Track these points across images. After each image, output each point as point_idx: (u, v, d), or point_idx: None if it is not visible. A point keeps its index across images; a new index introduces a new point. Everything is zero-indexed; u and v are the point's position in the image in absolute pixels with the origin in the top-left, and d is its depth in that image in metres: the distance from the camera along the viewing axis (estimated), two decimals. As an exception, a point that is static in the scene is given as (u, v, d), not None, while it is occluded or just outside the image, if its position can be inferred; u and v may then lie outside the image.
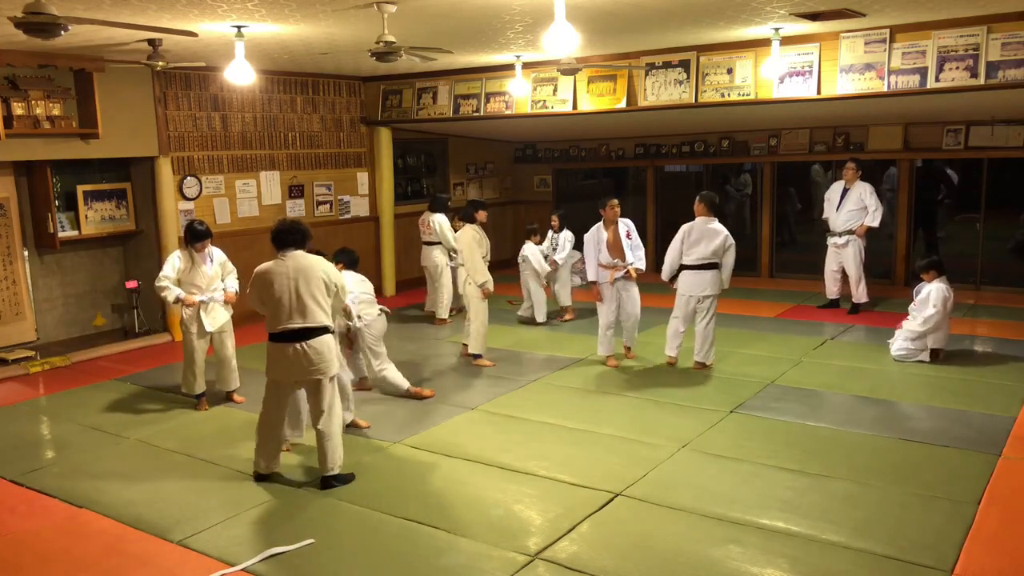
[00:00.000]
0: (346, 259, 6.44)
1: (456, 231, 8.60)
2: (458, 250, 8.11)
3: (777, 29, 7.28)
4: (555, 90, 9.29)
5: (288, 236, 5.03)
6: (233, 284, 6.73)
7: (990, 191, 10.38)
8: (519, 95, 9.50)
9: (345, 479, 5.15)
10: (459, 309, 9.77)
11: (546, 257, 9.61)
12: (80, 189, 8.73)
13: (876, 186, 9.66)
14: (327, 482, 5.10)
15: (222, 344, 6.74)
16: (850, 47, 7.54)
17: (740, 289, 7.58)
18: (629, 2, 5.97)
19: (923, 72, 7.23)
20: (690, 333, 7.48)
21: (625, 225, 7.60)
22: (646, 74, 8.57)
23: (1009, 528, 4.37)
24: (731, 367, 7.40)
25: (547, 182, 13.64)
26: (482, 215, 8.01)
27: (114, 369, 8.01)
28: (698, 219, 7.27)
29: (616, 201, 7.54)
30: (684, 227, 7.34)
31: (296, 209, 10.37)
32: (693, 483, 5.00)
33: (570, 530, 4.44)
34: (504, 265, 11.81)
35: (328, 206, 10.81)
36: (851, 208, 9.25)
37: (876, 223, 9.24)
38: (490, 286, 7.64)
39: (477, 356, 7.75)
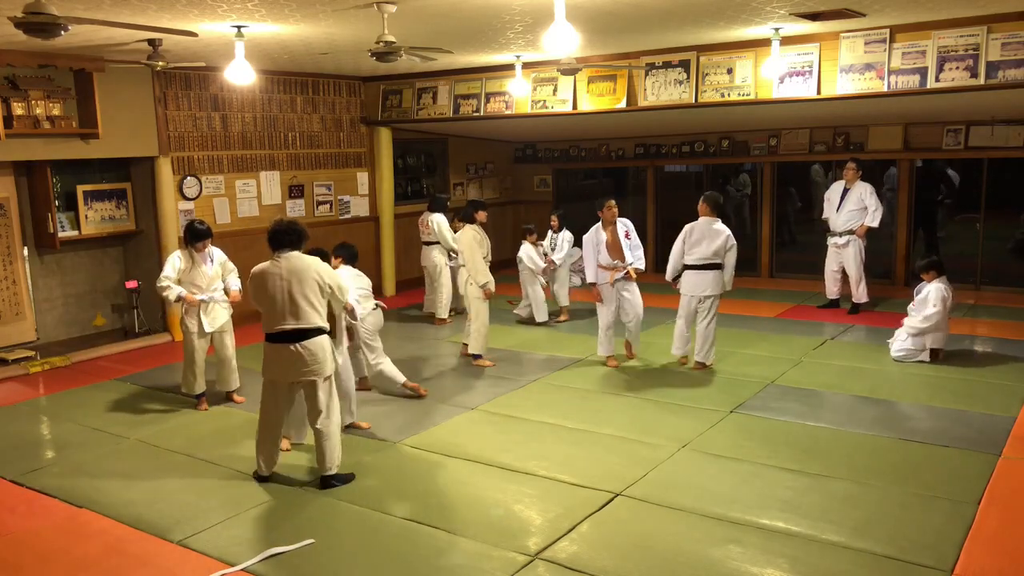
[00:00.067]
0: (345, 254, 6.44)
1: (456, 232, 8.60)
2: (459, 251, 8.11)
3: (777, 29, 7.28)
4: (555, 90, 9.29)
5: (284, 237, 5.03)
6: (236, 283, 6.73)
7: (990, 191, 10.38)
8: (519, 95, 9.50)
9: (345, 479, 5.15)
10: (458, 310, 9.78)
11: (545, 256, 9.62)
12: (80, 189, 8.73)
13: (876, 186, 9.67)
14: (327, 481, 5.10)
15: (222, 344, 6.75)
16: (850, 47, 7.54)
17: (740, 289, 7.59)
18: (629, 2, 5.97)
19: (923, 72, 7.23)
20: (694, 332, 7.47)
21: (624, 225, 7.59)
22: (646, 74, 8.57)
23: (1009, 528, 4.37)
24: (731, 367, 7.40)
25: (547, 182, 13.65)
26: (482, 215, 8.01)
27: (114, 369, 8.01)
28: (701, 219, 7.27)
29: (613, 202, 7.53)
30: (686, 227, 7.34)
31: (296, 209, 10.37)
32: (693, 483, 5.00)
33: (570, 530, 4.44)
34: (505, 265, 11.81)
35: (328, 206, 10.81)
36: (851, 208, 9.25)
37: (876, 223, 9.24)
38: (492, 287, 7.64)
39: (477, 356, 7.75)
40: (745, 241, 7.34)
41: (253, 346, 7.74)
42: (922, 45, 7.23)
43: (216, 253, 6.77)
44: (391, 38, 5.76)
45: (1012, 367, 7.17)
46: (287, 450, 5.62)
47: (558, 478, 5.11)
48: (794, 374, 7.16)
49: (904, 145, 10.47)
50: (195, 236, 6.57)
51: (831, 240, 9.49)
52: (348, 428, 5.94)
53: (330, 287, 5.06)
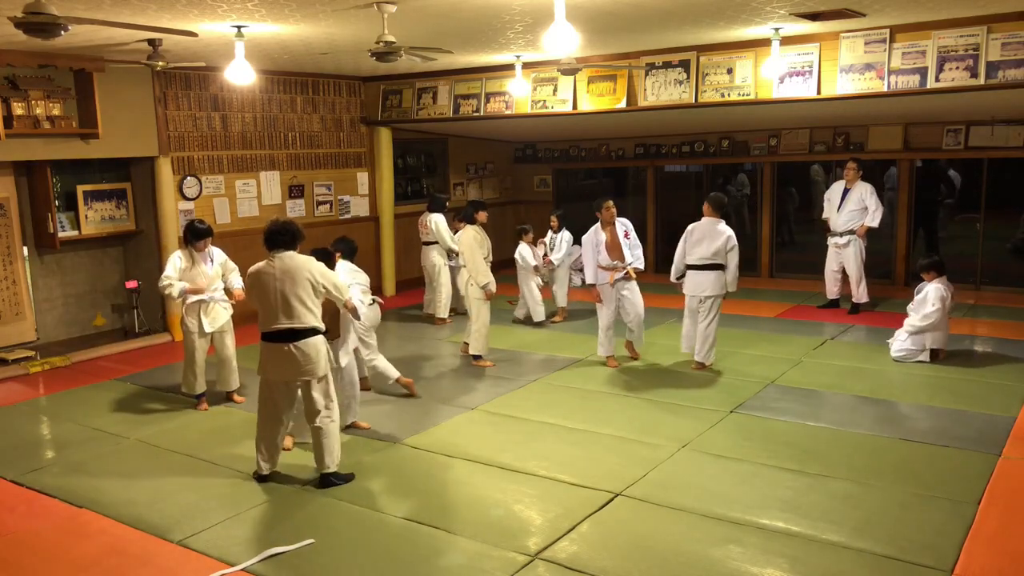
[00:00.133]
0: (344, 248, 6.46)
1: (456, 232, 8.59)
2: (459, 251, 8.10)
3: (777, 29, 7.28)
4: (555, 90, 9.29)
5: (278, 237, 5.05)
6: (238, 281, 6.72)
7: (990, 191, 10.38)
8: (519, 95, 9.50)
9: (345, 478, 5.15)
10: (459, 311, 9.78)
11: (544, 256, 9.61)
12: (80, 189, 8.73)
13: (877, 186, 9.67)
14: (326, 479, 5.11)
15: (222, 344, 6.75)
16: (850, 47, 7.54)
17: (740, 289, 7.58)
18: (629, 2, 5.97)
19: (923, 72, 7.23)
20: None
21: (623, 225, 7.59)
22: (646, 74, 8.57)
23: (1009, 528, 4.37)
24: (731, 367, 7.39)
25: (547, 182, 13.65)
26: (482, 216, 7.99)
27: (114, 369, 8.01)
28: (704, 219, 7.27)
29: (611, 202, 7.52)
30: (688, 228, 7.34)
31: (296, 209, 10.37)
32: (693, 483, 5.00)
33: (570, 530, 4.44)
34: (505, 265, 11.81)
35: (328, 206, 10.81)
36: (852, 208, 9.25)
37: (876, 223, 9.24)
38: (493, 287, 7.63)
39: (478, 357, 7.74)
40: (744, 241, 7.34)
41: (253, 346, 7.70)
42: (922, 45, 7.23)
43: (216, 253, 6.77)
44: (391, 38, 5.77)
45: (1012, 367, 7.17)
46: (288, 449, 5.62)
47: (558, 478, 5.11)
48: (794, 374, 7.16)
49: (904, 145, 10.47)
50: (195, 235, 6.57)
51: (831, 240, 9.49)
52: (348, 428, 5.95)
53: (324, 286, 5.06)
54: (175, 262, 6.56)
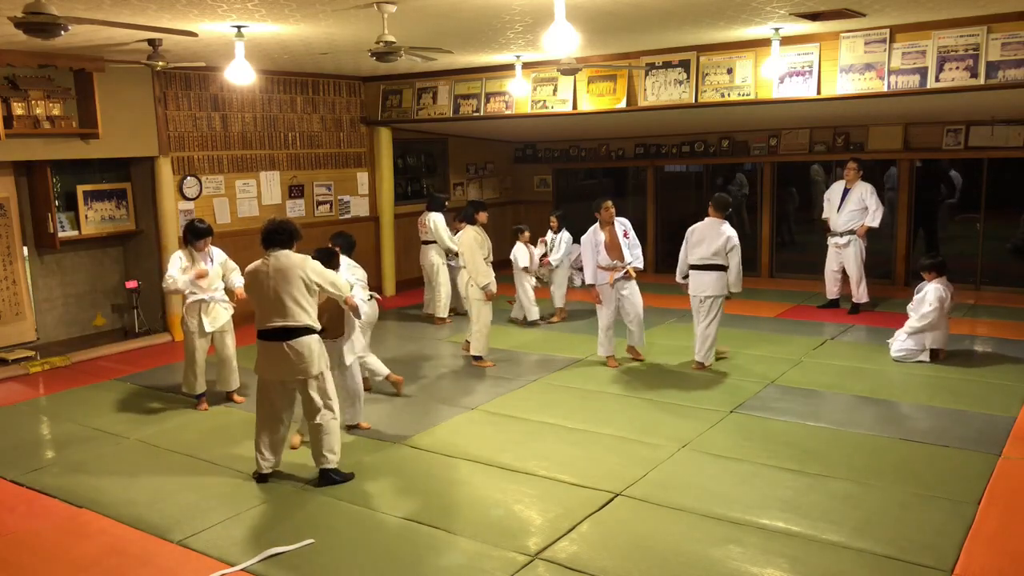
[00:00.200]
0: (343, 243, 6.46)
1: (456, 232, 8.58)
2: (459, 252, 8.09)
3: (777, 29, 7.28)
4: (555, 90, 9.29)
5: (274, 236, 5.07)
6: (239, 280, 6.72)
7: (990, 191, 10.38)
8: (519, 95, 9.50)
9: (344, 477, 5.16)
10: (459, 311, 9.77)
11: (543, 255, 9.61)
12: (80, 189, 8.73)
13: (877, 186, 9.67)
14: (326, 476, 5.13)
15: (223, 344, 6.75)
16: (850, 47, 7.54)
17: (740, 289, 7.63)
18: (629, 2, 5.97)
19: (923, 72, 7.23)
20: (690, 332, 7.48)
21: (622, 225, 7.58)
22: (646, 74, 8.57)
23: (1009, 528, 4.37)
24: (731, 367, 7.39)
25: (547, 182, 13.65)
26: (483, 216, 7.97)
27: (114, 369, 8.01)
28: (706, 220, 7.28)
29: (610, 203, 7.52)
30: (690, 228, 7.36)
31: (296, 209, 10.37)
32: (693, 483, 5.00)
33: (570, 530, 4.44)
34: (505, 265, 11.80)
35: (328, 206, 10.81)
36: (852, 208, 9.25)
37: (877, 223, 9.24)
38: (493, 288, 7.62)
39: (478, 357, 7.74)
40: (744, 241, 7.34)
41: (253, 346, 7.72)
42: (922, 45, 7.23)
43: (216, 253, 6.77)
44: (391, 38, 5.77)
45: (1012, 367, 7.17)
46: (295, 447, 5.60)
47: (558, 478, 5.11)
48: (794, 374, 7.16)
49: (904, 145, 10.47)
50: (196, 234, 6.57)
51: (831, 240, 9.49)
52: (350, 428, 5.95)
53: (318, 284, 5.06)
54: (177, 261, 6.56)
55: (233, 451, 5.72)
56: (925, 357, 7.35)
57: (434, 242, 9.72)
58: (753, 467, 5.22)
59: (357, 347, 6.23)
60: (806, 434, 5.77)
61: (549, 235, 9.65)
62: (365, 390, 6.77)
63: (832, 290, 9.67)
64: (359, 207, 11.23)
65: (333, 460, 5.15)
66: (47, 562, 4.32)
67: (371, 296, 6.50)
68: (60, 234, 8.52)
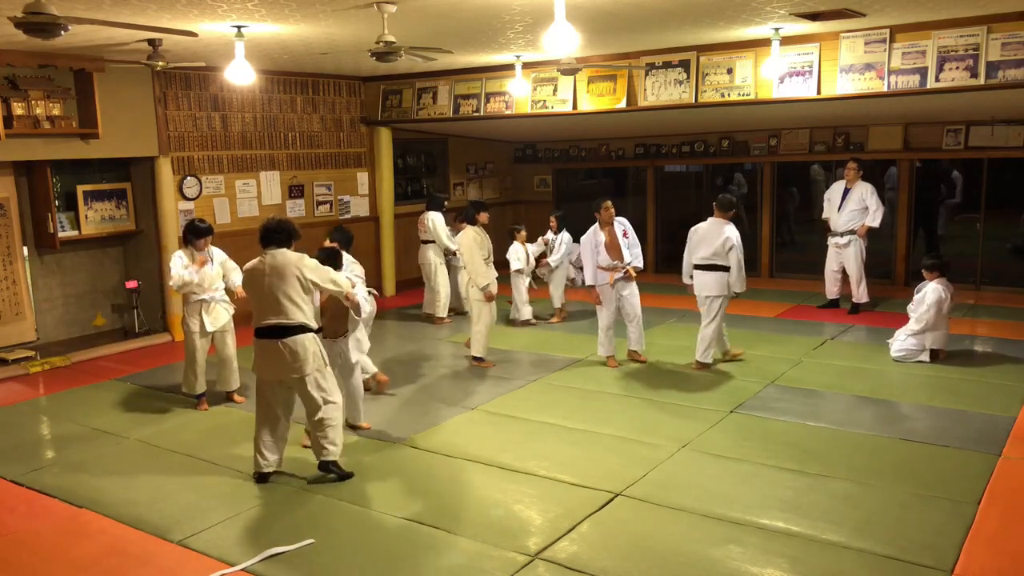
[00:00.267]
0: (341, 238, 6.46)
1: (458, 232, 8.58)
2: (459, 252, 8.09)
3: (777, 29, 7.28)
4: (555, 90, 9.29)
5: (272, 235, 5.10)
6: (239, 279, 6.71)
7: (990, 191, 10.38)
8: (519, 95, 9.50)
9: (343, 474, 5.18)
10: (459, 311, 9.78)
11: (543, 256, 9.61)
12: (80, 189, 8.73)
13: (877, 186, 9.67)
14: (325, 465, 5.16)
15: (223, 344, 6.75)
16: (850, 47, 7.54)
17: (740, 289, 7.65)
18: (629, 2, 5.97)
19: (923, 72, 7.23)
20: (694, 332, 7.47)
21: (621, 225, 7.58)
22: (646, 74, 8.57)
23: (1009, 528, 4.37)
24: (731, 367, 7.39)
25: (547, 182, 13.64)
26: (483, 217, 7.95)
27: (114, 369, 8.01)
28: (709, 220, 7.30)
29: (610, 203, 7.51)
30: (693, 228, 7.39)
31: (296, 209, 10.38)
32: (693, 483, 5.00)
33: (570, 530, 4.44)
34: (505, 265, 11.80)
35: (328, 206, 10.81)
36: (852, 208, 9.25)
37: (877, 223, 9.25)
38: (492, 289, 7.61)
39: (478, 358, 7.73)
40: (743, 241, 7.32)
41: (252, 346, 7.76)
42: (922, 45, 7.23)
43: (216, 253, 6.77)
44: (391, 38, 5.77)
45: (1012, 367, 7.17)
46: (307, 446, 5.58)
47: (558, 478, 5.11)
48: (794, 374, 7.16)
49: (904, 145, 10.47)
50: (196, 234, 6.57)
51: (832, 240, 9.49)
52: (350, 428, 5.94)
53: (314, 282, 5.07)
54: (179, 260, 6.55)
55: (233, 451, 5.72)
56: (925, 357, 7.35)
57: (433, 242, 9.72)
58: (753, 467, 5.22)
59: (364, 346, 6.22)
60: (806, 434, 5.77)
61: (549, 235, 9.64)
62: (365, 390, 6.78)
63: (832, 290, 9.67)
64: (359, 207, 11.23)
65: (334, 452, 5.17)
66: (47, 562, 4.32)
67: (369, 292, 6.49)
68: (60, 234, 8.52)
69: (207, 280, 6.60)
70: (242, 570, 4.14)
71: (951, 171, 11.46)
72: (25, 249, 8.60)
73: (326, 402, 5.14)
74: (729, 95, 8.20)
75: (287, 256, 5.06)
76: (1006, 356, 7.52)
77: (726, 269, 7.18)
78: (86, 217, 8.79)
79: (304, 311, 5.06)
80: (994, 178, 10.38)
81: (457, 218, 8.80)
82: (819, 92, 7.76)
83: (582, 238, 7.60)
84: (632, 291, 7.53)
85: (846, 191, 9.32)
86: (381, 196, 11.28)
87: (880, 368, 7.29)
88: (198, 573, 4.13)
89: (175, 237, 8.73)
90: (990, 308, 9.47)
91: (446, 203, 10.22)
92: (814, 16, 6.72)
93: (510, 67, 9.34)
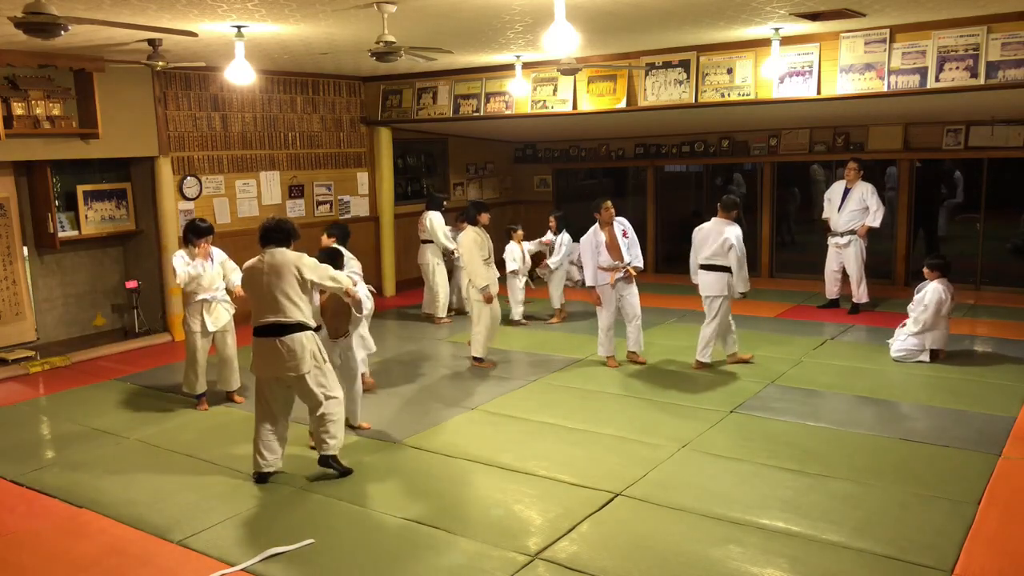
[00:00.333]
0: (339, 233, 6.44)
1: (459, 232, 8.58)
2: (459, 253, 8.08)
3: (777, 29, 7.28)
4: (555, 90, 9.29)
5: (271, 234, 5.13)
6: (239, 279, 6.71)
7: (990, 191, 10.38)
8: (519, 95, 9.50)
9: (342, 469, 5.21)
10: (459, 311, 9.78)
11: (542, 257, 9.61)
12: (80, 189, 8.73)
13: (877, 186, 9.67)
14: (324, 460, 5.19)
15: (224, 343, 6.75)
16: (850, 47, 7.54)
17: (740, 289, 7.66)
18: (629, 2, 5.97)
19: (923, 72, 7.23)
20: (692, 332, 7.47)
21: (621, 224, 7.58)
22: (646, 74, 8.57)
23: (1009, 528, 4.37)
24: (731, 367, 7.39)
25: (547, 182, 13.64)
26: (484, 217, 7.92)
27: (114, 369, 8.01)
28: (712, 220, 7.32)
29: (610, 203, 7.51)
30: (697, 228, 7.44)
31: (296, 209, 10.38)
32: (693, 483, 5.00)
33: (570, 530, 4.44)
34: (504, 265, 11.80)
35: (328, 206, 10.81)
36: (853, 208, 9.25)
37: (877, 223, 9.25)
38: (492, 290, 7.60)
39: (478, 358, 7.72)
40: (744, 240, 7.33)
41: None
42: (922, 45, 7.23)
43: (216, 253, 6.76)
44: (391, 38, 5.77)
45: (1012, 367, 7.17)
46: (314, 447, 5.56)
47: (558, 478, 5.11)
48: (794, 374, 7.16)
49: (904, 145, 10.47)
50: (197, 233, 6.56)
51: (832, 240, 9.49)
52: (350, 429, 5.93)
53: (312, 281, 5.10)
54: (181, 259, 6.54)
55: (233, 451, 5.72)
56: (925, 357, 7.35)
57: (432, 241, 9.73)
58: (753, 467, 5.22)
59: (369, 343, 6.19)
60: (806, 434, 5.77)
61: (548, 235, 9.63)
62: (365, 391, 6.78)
63: (832, 290, 9.67)
64: (359, 207, 11.23)
65: (335, 447, 5.20)
66: (47, 562, 4.32)
67: (368, 290, 6.48)
68: (60, 234, 8.52)
69: (208, 280, 6.60)
70: (242, 570, 4.14)
71: (951, 171, 11.46)
72: (25, 249, 8.60)
73: (327, 397, 5.16)
74: (729, 95, 8.20)
75: (286, 255, 5.08)
76: (1006, 356, 7.52)
77: (728, 270, 7.19)
78: (86, 217, 8.79)
79: (302, 309, 5.07)
80: (994, 178, 10.38)
81: (458, 218, 8.79)
82: (819, 92, 7.76)
83: (582, 239, 7.59)
84: (632, 291, 7.53)
85: (846, 191, 9.32)
86: (381, 196, 11.28)
87: (880, 368, 7.29)
88: (198, 573, 4.13)
89: (175, 237, 8.73)
90: (990, 308, 9.47)
91: (445, 203, 10.22)
92: (814, 16, 6.72)
93: (510, 67, 9.34)
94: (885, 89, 7.40)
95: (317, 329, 5.24)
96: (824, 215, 9.65)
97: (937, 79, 7.16)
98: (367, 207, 11.32)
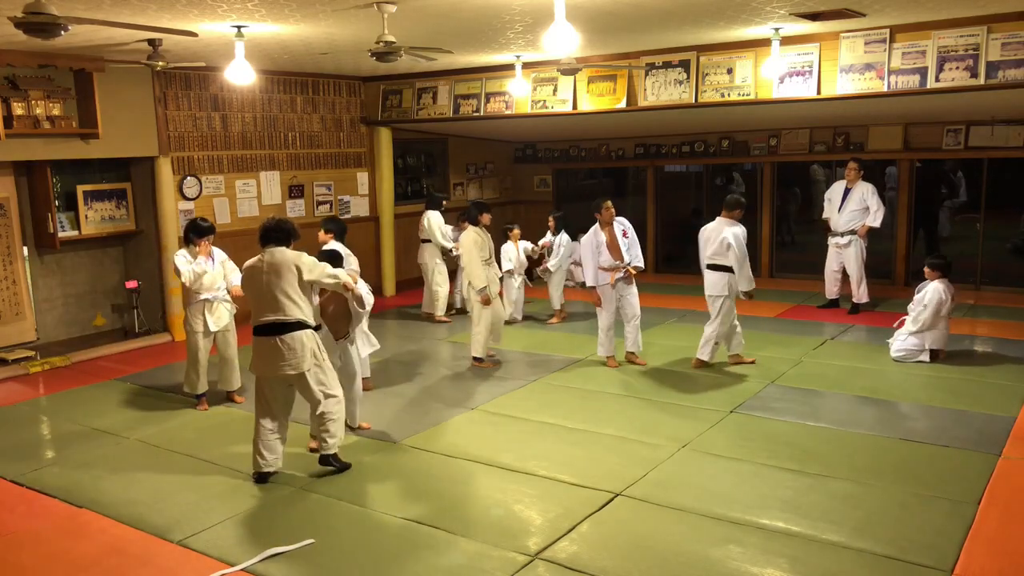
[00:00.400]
0: (335, 228, 6.43)
1: (461, 233, 8.57)
2: (455, 251, 8.08)
3: (777, 29, 7.28)
4: (555, 90, 9.29)
5: (271, 233, 5.15)
6: (238, 279, 6.70)
7: (990, 191, 10.38)
8: (519, 95, 9.50)
9: (342, 465, 5.24)
10: (460, 309, 9.78)
11: (541, 256, 9.61)
12: (80, 189, 8.73)
13: (878, 186, 9.67)
14: (325, 459, 5.22)
15: (226, 343, 6.76)
16: (850, 47, 7.54)
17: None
18: (629, 2, 5.97)
19: (923, 72, 7.23)
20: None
21: (621, 224, 7.58)
22: (646, 74, 8.57)
23: (1009, 528, 4.37)
24: (731, 367, 7.39)
25: (547, 182, 13.64)
26: (486, 218, 7.91)
27: (114, 369, 8.01)
28: (716, 220, 7.34)
29: (610, 202, 7.52)
30: (702, 228, 7.46)
31: (296, 209, 10.38)
32: (693, 483, 5.00)
33: (570, 530, 4.44)
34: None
35: (328, 206, 10.81)
36: (853, 208, 9.25)
37: (878, 223, 9.25)
38: (492, 290, 7.60)
39: (478, 359, 7.72)
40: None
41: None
42: (922, 45, 7.23)
43: (216, 253, 6.76)
44: (391, 38, 5.77)
45: (1012, 367, 7.17)
46: (314, 449, 5.56)
47: (558, 478, 5.11)
48: (794, 374, 7.16)
49: (904, 145, 10.47)
50: (199, 232, 6.56)
51: (832, 240, 9.49)
52: (350, 429, 5.93)
53: (312, 279, 5.11)
54: (184, 258, 6.53)
55: (233, 451, 5.72)
56: (925, 357, 7.35)
57: (430, 240, 9.73)
58: (753, 467, 5.22)
59: (372, 340, 6.18)
60: (806, 434, 5.77)
61: (548, 236, 9.63)
62: (365, 390, 6.77)
63: (832, 290, 9.67)
64: (359, 207, 11.23)
65: (334, 445, 5.22)
66: (47, 562, 4.31)
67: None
68: (60, 234, 8.52)
69: (210, 279, 6.60)
70: (242, 570, 4.14)
71: (951, 171, 11.46)
72: (25, 249, 8.60)
73: (326, 396, 5.18)
74: (729, 95, 8.20)
75: (285, 254, 5.09)
76: (1006, 356, 7.52)
77: (731, 269, 7.20)
78: (86, 217, 8.79)
79: (302, 308, 5.08)
80: (994, 178, 10.38)
81: (460, 218, 8.79)
82: (819, 92, 7.76)
83: (583, 239, 7.59)
84: (632, 291, 7.54)
85: (847, 191, 9.32)
86: (381, 196, 11.28)
87: (880, 368, 7.29)
88: (198, 573, 4.13)
89: (175, 237, 8.73)
90: (990, 308, 9.47)
91: (445, 203, 10.22)
92: (814, 16, 6.72)
93: (510, 67, 9.34)
94: (885, 89, 7.40)
95: (317, 328, 5.25)
96: (824, 215, 9.65)
97: (937, 79, 7.16)
98: (367, 207, 11.32)
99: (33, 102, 7.74)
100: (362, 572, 4.09)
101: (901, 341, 7.48)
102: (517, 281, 9.42)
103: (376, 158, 11.23)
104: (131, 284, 9.11)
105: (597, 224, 7.51)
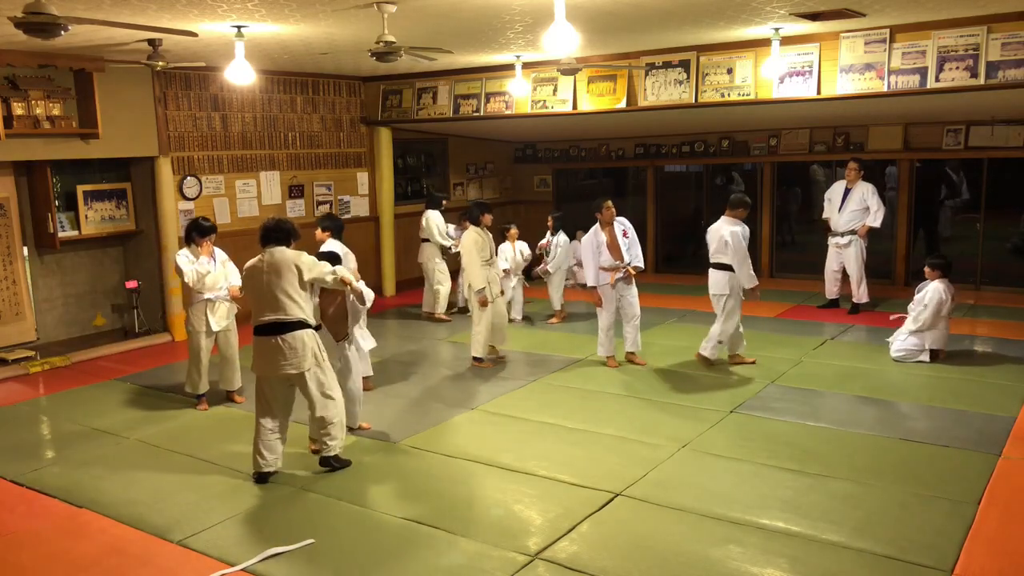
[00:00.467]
0: (333, 226, 6.43)
1: (463, 233, 8.56)
2: (454, 248, 8.08)
3: (777, 29, 7.28)
4: (555, 90, 9.29)
5: (272, 233, 5.17)
6: (237, 279, 6.71)
7: (990, 191, 10.38)
8: (519, 95, 9.50)
9: (343, 463, 5.25)
10: (462, 309, 9.78)
11: (541, 257, 9.60)
12: (80, 189, 8.73)
13: (878, 186, 9.66)
14: (325, 461, 5.23)
15: (227, 343, 6.76)
16: (850, 47, 7.54)
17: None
18: (629, 2, 5.97)
19: (923, 72, 7.23)
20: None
21: (621, 224, 7.59)
22: (646, 74, 8.57)
23: (1009, 528, 4.37)
24: (731, 367, 7.39)
25: (547, 182, 13.64)
26: (487, 218, 7.90)
27: (114, 369, 8.01)
28: (720, 219, 7.36)
29: (611, 202, 7.52)
30: (709, 228, 7.49)
31: (296, 209, 10.38)
32: (693, 483, 5.00)
33: (570, 530, 4.44)
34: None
35: (328, 206, 10.81)
36: (853, 208, 9.25)
37: (878, 223, 9.24)
38: (492, 290, 7.59)
39: (478, 358, 7.72)
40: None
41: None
42: (922, 45, 7.23)
43: (217, 253, 6.77)
44: (391, 38, 5.77)
45: (1012, 367, 7.17)
46: (315, 451, 5.56)
47: (558, 478, 5.11)
48: (794, 374, 7.16)
49: (904, 145, 10.47)
50: (201, 232, 6.56)
51: (832, 240, 9.49)
52: (350, 429, 5.93)
53: (312, 278, 5.13)
54: (186, 258, 6.52)
55: (233, 451, 5.72)
56: (925, 357, 7.35)
57: (430, 240, 9.73)
58: (753, 467, 5.22)
59: (368, 337, 6.17)
60: (806, 434, 5.76)
61: (547, 236, 9.63)
62: (365, 390, 6.77)
63: (832, 290, 9.67)
64: (359, 207, 11.23)
65: (334, 447, 5.23)
66: (47, 562, 4.31)
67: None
68: (60, 234, 8.52)
69: (212, 279, 6.60)
70: (242, 570, 4.14)
71: (952, 171, 11.46)
72: (25, 249, 8.60)
73: (326, 397, 5.18)
74: (729, 95, 8.20)
75: (285, 254, 5.11)
76: (1006, 356, 7.52)
77: (728, 268, 7.21)
78: (86, 217, 8.79)
79: (302, 307, 5.09)
80: (994, 178, 10.38)
81: (461, 218, 8.79)
82: (819, 92, 7.76)
83: (583, 239, 7.59)
84: (632, 291, 7.54)
85: (847, 191, 9.32)
86: (381, 196, 11.28)
87: (880, 368, 7.29)
88: (198, 573, 4.13)
89: (175, 237, 8.73)
90: (990, 308, 9.47)
91: (445, 203, 10.23)
92: (814, 16, 6.72)
93: (510, 67, 9.34)
94: (885, 89, 7.40)
95: (318, 328, 5.25)
96: (824, 215, 9.65)
97: (937, 79, 7.16)
98: (367, 207, 11.32)
99: (33, 102, 7.74)
100: (362, 572, 4.09)
101: (901, 341, 7.48)
102: (513, 281, 9.42)
103: (376, 158, 11.23)
104: (131, 284, 9.11)
105: (597, 224, 7.51)
